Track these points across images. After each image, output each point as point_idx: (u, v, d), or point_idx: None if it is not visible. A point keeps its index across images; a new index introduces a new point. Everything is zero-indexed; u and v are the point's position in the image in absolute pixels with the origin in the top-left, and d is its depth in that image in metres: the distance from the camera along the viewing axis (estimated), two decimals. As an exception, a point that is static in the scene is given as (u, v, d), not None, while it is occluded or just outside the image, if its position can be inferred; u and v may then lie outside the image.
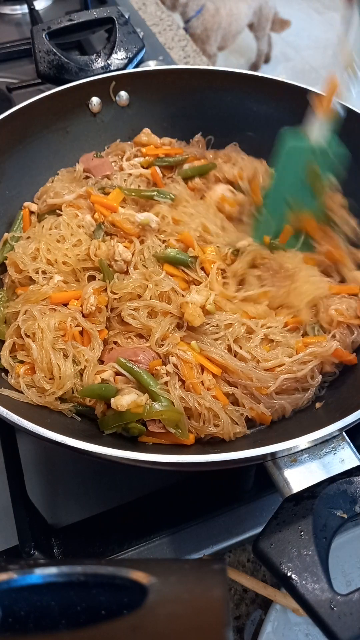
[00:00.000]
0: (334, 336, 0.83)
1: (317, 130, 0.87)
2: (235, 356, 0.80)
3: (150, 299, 0.82)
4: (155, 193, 0.98)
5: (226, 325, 0.82)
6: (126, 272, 0.88)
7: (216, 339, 0.81)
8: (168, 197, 0.98)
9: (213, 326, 0.82)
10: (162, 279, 0.84)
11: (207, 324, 0.82)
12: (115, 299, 0.83)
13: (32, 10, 1.67)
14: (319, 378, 0.81)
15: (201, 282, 0.87)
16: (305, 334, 0.85)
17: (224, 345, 0.80)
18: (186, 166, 1.08)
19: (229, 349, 0.80)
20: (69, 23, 1.18)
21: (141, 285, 0.84)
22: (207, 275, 0.88)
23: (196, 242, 0.89)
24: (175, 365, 0.77)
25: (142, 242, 0.91)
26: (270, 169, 1.07)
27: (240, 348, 0.80)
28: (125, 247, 0.89)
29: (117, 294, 0.83)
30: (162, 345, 0.79)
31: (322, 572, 0.55)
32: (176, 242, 0.90)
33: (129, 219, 0.91)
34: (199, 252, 0.87)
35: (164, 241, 0.91)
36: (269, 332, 0.83)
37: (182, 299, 0.82)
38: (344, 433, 0.67)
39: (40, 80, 1.32)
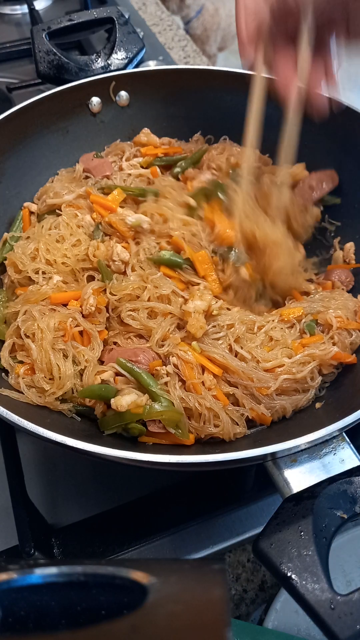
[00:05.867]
0: (332, 338, 0.83)
1: None
2: (235, 356, 0.80)
3: (148, 300, 0.82)
4: (141, 191, 0.98)
5: (228, 325, 0.82)
6: (125, 273, 0.88)
7: (217, 339, 0.81)
8: (152, 193, 0.98)
9: (214, 327, 0.82)
10: (161, 280, 0.84)
11: (209, 324, 0.82)
12: (115, 300, 0.83)
13: (32, 10, 1.67)
14: (319, 379, 0.81)
15: (198, 284, 0.86)
16: (302, 332, 0.84)
17: (225, 345, 0.80)
18: (179, 163, 1.08)
19: (230, 349, 0.80)
20: (69, 23, 1.18)
21: (140, 287, 0.84)
22: (201, 277, 0.88)
23: (186, 244, 0.88)
24: (175, 366, 0.77)
25: (137, 243, 0.91)
26: (262, 156, 1.08)
27: (241, 348, 0.80)
28: (124, 247, 0.89)
29: (116, 295, 0.83)
30: (163, 345, 0.79)
31: (322, 572, 0.55)
32: (167, 244, 0.90)
33: (124, 220, 0.91)
34: (190, 254, 0.87)
35: (157, 243, 0.91)
36: (269, 329, 0.83)
37: (182, 301, 0.82)
38: (344, 433, 0.67)
39: (40, 80, 1.31)
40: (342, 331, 0.84)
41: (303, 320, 0.84)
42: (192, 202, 0.94)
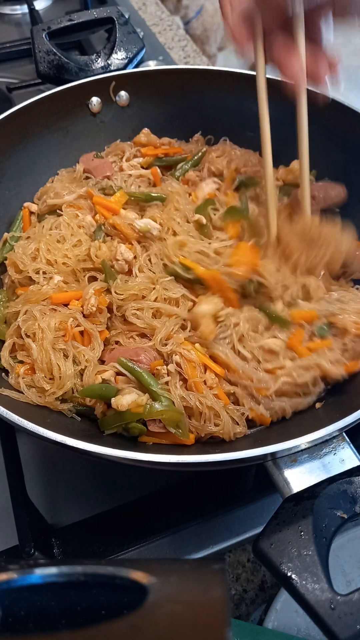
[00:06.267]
0: (344, 344, 0.81)
1: None
2: (237, 355, 0.80)
3: (155, 301, 0.82)
4: (147, 197, 0.98)
5: (234, 324, 0.82)
6: (128, 273, 0.88)
7: (224, 338, 0.81)
8: (159, 199, 0.97)
9: (221, 327, 0.81)
10: (171, 284, 0.84)
11: (217, 325, 0.81)
12: (119, 299, 0.83)
13: (32, 10, 1.67)
14: (322, 386, 0.80)
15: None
16: (311, 334, 0.82)
17: (230, 345, 0.80)
18: (180, 166, 1.08)
19: (233, 348, 0.80)
20: (69, 23, 1.18)
21: (147, 287, 0.84)
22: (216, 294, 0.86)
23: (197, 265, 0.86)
24: (178, 364, 0.77)
25: (143, 247, 0.90)
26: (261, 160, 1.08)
27: (244, 347, 0.80)
28: (128, 247, 0.89)
29: (122, 295, 0.83)
30: (166, 344, 0.79)
31: (322, 572, 0.55)
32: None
33: (130, 224, 0.91)
34: (202, 273, 0.85)
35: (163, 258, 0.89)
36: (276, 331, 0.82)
37: (190, 305, 0.82)
38: (344, 433, 0.67)
39: (40, 80, 1.32)
40: (355, 338, 0.81)
41: (316, 322, 0.82)
42: (203, 220, 0.93)
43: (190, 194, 1.03)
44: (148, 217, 0.93)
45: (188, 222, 0.95)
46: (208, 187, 1.04)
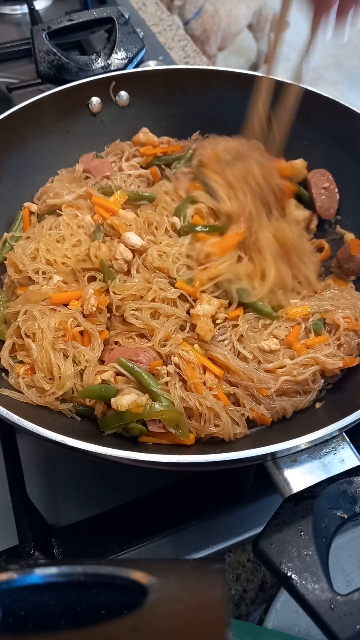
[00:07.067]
0: (338, 339, 0.82)
1: None
2: (237, 356, 0.80)
3: (152, 301, 0.82)
4: (136, 196, 0.98)
5: (232, 325, 0.82)
6: (127, 272, 0.88)
7: (222, 340, 0.81)
8: (147, 198, 0.98)
9: (219, 328, 0.82)
10: (167, 285, 0.84)
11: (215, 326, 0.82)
12: (118, 299, 0.83)
13: (32, 10, 1.67)
14: (321, 382, 0.81)
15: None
16: (308, 331, 0.83)
17: (230, 345, 0.80)
18: (174, 165, 1.08)
19: (233, 349, 0.80)
20: (69, 23, 1.18)
21: (145, 287, 0.84)
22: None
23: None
24: (177, 365, 0.77)
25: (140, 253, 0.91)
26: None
27: (244, 348, 0.80)
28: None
29: (119, 295, 0.83)
30: (165, 345, 0.79)
31: (322, 572, 0.55)
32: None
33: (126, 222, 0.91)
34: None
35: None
36: (274, 327, 0.82)
37: (189, 306, 0.82)
38: (344, 433, 0.67)
39: (40, 80, 1.32)
40: (349, 332, 0.83)
41: (311, 319, 0.84)
42: (177, 224, 0.93)
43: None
44: (140, 217, 0.94)
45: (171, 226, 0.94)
46: (182, 181, 1.03)
